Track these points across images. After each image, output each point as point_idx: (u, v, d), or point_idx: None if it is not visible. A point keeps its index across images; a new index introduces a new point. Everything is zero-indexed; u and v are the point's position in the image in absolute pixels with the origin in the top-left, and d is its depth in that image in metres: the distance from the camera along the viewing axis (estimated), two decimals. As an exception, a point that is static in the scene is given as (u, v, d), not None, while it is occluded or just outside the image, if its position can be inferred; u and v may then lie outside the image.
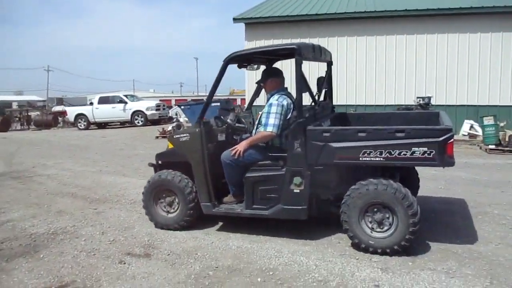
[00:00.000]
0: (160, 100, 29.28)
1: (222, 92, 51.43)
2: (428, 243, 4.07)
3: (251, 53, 4.60)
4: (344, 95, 13.70)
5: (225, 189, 4.54)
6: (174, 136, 4.67)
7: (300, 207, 4.05)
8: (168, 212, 4.69)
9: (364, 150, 3.76)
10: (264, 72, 4.62)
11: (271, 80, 4.47)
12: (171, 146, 4.69)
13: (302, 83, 4.12)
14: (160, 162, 4.90)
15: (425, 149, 3.61)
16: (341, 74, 13.61)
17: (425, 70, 13.40)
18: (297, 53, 4.05)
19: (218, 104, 17.30)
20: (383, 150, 3.71)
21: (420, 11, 13.14)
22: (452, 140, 3.64)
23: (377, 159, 3.73)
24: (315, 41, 13.12)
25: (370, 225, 3.90)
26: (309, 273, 3.57)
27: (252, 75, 14.53)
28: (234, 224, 4.71)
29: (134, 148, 11.86)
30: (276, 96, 4.31)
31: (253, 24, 14.53)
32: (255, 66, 5.13)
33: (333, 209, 4.26)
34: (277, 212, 4.15)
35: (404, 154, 3.66)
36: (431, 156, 3.61)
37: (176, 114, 21.32)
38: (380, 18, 13.49)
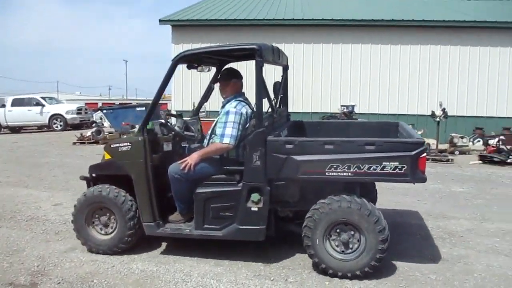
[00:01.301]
0: (85, 104, 27.62)
1: (152, 97, 49.96)
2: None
3: (204, 52, 4.09)
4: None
5: (170, 205, 4.02)
6: (112, 146, 4.05)
7: (258, 227, 3.64)
8: (103, 233, 4.07)
9: (331, 164, 3.43)
10: (224, 72, 4.14)
11: (233, 83, 4.01)
12: (108, 156, 4.06)
13: (262, 88, 3.72)
14: (94, 175, 4.23)
15: (397, 163, 3.35)
16: (267, 80, 13.53)
17: (349, 79, 13.72)
18: (258, 55, 3.62)
19: (144, 108, 16.67)
20: (352, 165, 3.40)
21: (345, 21, 13.46)
22: (425, 154, 3.42)
23: (344, 174, 3.42)
24: (243, 46, 12.95)
25: (334, 245, 3.56)
26: (218, 299, 3.22)
27: (179, 79, 14.03)
28: (140, 242, 4.25)
29: (45, 155, 10.84)
30: (234, 103, 3.89)
31: (180, 26, 14.05)
32: (207, 68, 4.60)
33: (292, 228, 3.93)
34: (232, 233, 3.72)
35: (374, 169, 3.38)
36: (402, 171, 3.35)
37: (101, 119, 20.14)
38: (307, 26, 13.62)
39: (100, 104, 36.66)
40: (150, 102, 3.96)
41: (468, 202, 6.17)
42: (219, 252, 4.04)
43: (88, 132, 13.73)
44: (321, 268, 3.55)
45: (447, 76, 13.42)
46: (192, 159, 3.74)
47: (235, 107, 3.83)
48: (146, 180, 3.84)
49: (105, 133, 13.96)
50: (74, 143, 13.10)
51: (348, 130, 4.92)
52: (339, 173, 3.43)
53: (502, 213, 5.58)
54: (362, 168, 3.40)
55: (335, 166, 3.43)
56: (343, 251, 3.54)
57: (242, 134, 3.78)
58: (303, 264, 3.82)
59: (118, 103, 31.79)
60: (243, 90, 4.12)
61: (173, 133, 4.14)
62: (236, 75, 4.07)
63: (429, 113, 10.87)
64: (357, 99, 13.43)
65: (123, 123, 15.00)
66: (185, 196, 3.86)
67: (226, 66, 4.53)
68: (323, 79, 13.82)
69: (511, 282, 3.50)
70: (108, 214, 4.03)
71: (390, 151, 3.38)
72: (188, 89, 13.95)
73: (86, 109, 21.19)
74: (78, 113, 19.61)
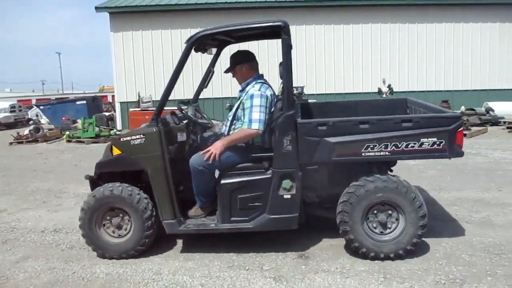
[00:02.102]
0: (17, 101, 25.85)
1: (91, 89, 47.83)
2: (319, 239, 3.86)
3: (222, 32, 3.77)
4: (219, 88, 13.38)
5: (184, 200, 3.75)
6: (122, 139, 3.67)
7: (291, 215, 3.46)
8: (117, 236, 3.70)
9: (368, 144, 3.31)
10: (236, 56, 3.78)
11: (247, 66, 3.74)
12: (117, 152, 3.68)
13: (290, 68, 3.49)
14: (99, 173, 3.79)
15: (435, 139, 3.30)
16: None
17: (295, 61, 13.72)
18: (284, 32, 3.49)
19: (84, 102, 15.85)
20: (389, 143, 3.30)
21: (288, 2, 13.43)
22: (462, 128, 3.40)
23: (381, 153, 3.31)
24: (186, 32, 12.62)
25: (373, 227, 3.46)
26: (194, 296, 3.06)
27: (121, 69, 13.41)
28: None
29: (-21, 159, 9.97)
30: (256, 86, 3.62)
31: (119, 13, 13.35)
32: (214, 50, 4.29)
33: (322, 213, 3.81)
34: (263, 224, 3.49)
35: (412, 147, 3.30)
36: (440, 147, 3.30)
37: (37, 115, 18.92)
38: (248, 9, 13.43)
39: (34, 101, 34.50)
40: (165, 88, 3.55)
41: (422, 174, 6.37)
42: (187, 246, 3.86)
43: (25, 131, 12.80)
44: (362, 253, 3.43)
45: (389, 53, 13.81)
46: (216, 148, 3.46)
47: (259, 90, 3.57)
48: (164, 174, 3.52)
49: (45, 131, 13.10)
50: (11, 143, 12.16)
51: (356, 109, 4.76)
52: (376, 153, 3.32)
53: (455, 182, 5.82)
54: (399, 146, 3.31)
55: (371, 146, 3.31)
56: (382, 232, 3.45)
57: (268, 118, 3.55)
58: (276, 249, 3.73)
59: (54, 98, 30.08)
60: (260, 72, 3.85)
61: (186, 121, 3.84)
62: (247, 59, 3.79)
63: (375, 90, 11.15)
64: (305, 81, 13.51)
65: (63, 118, 14.18)
66: (208, 189, 3.63)
67: (230, 48, 4.22)
68: (269, 62, 13.72)
69: (476, 248, 3.62)
70: (120, 215, 3.67)
71: (428, 127, 3.32)
72: (132, 79, 13.37)
73: (20, 107, 19.80)
74: (11, 111, 18.28)
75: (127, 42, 13.35)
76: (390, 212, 3.45)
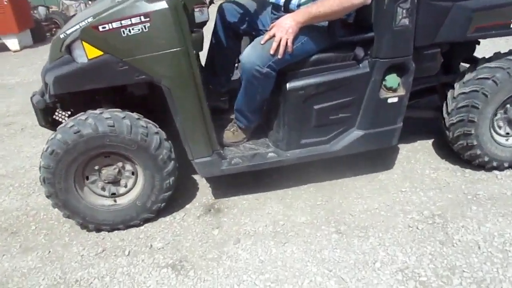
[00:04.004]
0: None
1: None
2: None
3: None
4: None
5: None
6: (102, 28, 1.89)
7: (395, 127, 2.35)
8: (117, 196, 2.26)
9: None
10: None
11: None
12: (94, 53, 1.93)
13: None
14: (57, 94, 2.06)
15: None
16: None
17: None
18: None
19: None
20: None
21: None
22: None
23: None
24: None
25: (499, 131, 2.50)
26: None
27: None
28: None
29: None
30: None
31: None
32: None
33: (416, 113, 2.69)
34: (351, 144, 2.32)
35: None
36: None
37: None
38: None
39: None
40: None
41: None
42: (11, 232, 2.37)
43: None
44: (489, 167, 2.50)
45: None
46: (287, 31, 2.02)
47: None
48: (194, 85, 2.02)
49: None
50: None
51: None
52: None
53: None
54: None
55: None
56: (506, 135, 2.53)
57: None
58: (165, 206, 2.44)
59: None
60: None
61: None
62: None
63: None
64: None
65: None
66: (264, 100, 2.31)
67: None
68: None
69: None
70: (112, 163, 2.19)
71: None
72: None
73: None
74: None
75: None
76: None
